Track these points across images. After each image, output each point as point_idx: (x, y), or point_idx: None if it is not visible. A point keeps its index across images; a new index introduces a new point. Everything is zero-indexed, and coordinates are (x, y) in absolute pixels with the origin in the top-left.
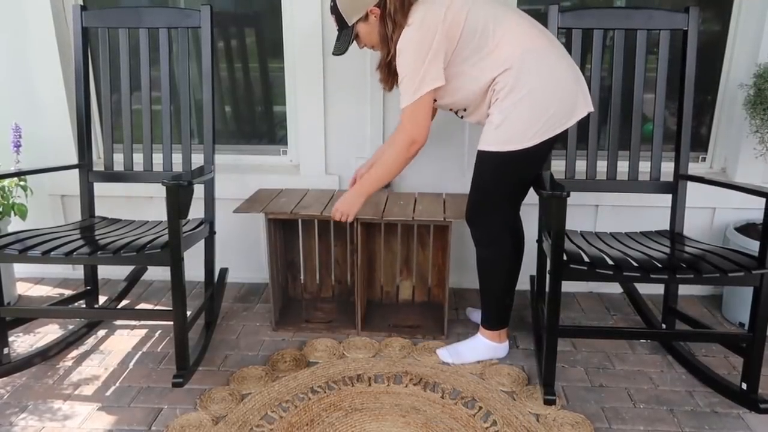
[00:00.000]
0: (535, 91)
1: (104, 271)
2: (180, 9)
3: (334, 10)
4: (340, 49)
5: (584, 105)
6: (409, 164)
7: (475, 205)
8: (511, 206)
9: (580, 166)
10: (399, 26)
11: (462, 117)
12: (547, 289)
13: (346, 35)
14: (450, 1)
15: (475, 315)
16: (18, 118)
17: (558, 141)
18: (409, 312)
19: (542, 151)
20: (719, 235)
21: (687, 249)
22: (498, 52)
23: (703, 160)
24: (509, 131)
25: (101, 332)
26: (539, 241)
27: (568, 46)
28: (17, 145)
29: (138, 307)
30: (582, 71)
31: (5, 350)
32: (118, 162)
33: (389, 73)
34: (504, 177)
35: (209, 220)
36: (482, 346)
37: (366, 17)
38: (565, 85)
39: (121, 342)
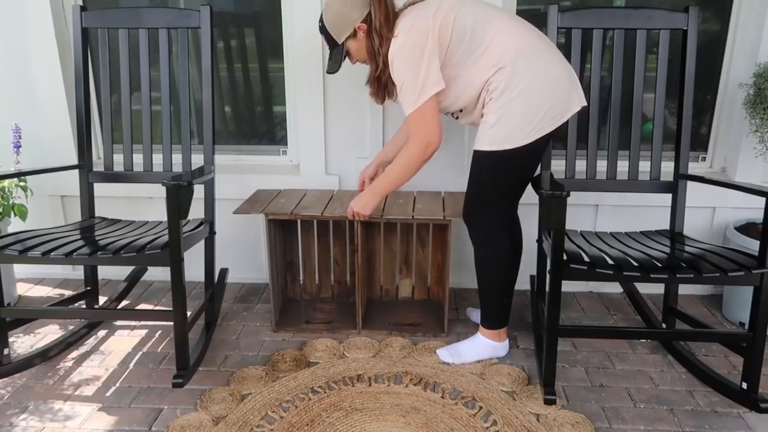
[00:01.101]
0: (528, 90)
1: (104, 272)
2: (180, 9)
3: (323, 30)
4: (332, 67)
5: (578, 101)
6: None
7: (473, 205)
8: (508, 205)
9: (580, 165)
10: (386, 40)
11: (457, 118)
12: (547, 288)
13: (337, 53)
14: (437, 5)
15: (475, 315)
16: (18, 119)
17: (553, 138)
18: (409, 310)
19: (538, 149)
20: (719, 234)
21: (687, 248)
22: (490, 52)
23: (703, 159)
24: (504, 130)
25: (101, 333)
26: (539, 241)
27: (567, 46)
28: (17, 146)
29: (138, 307)
30: (582, 71)
31: (5, 351)
32: (118, 162)
33: (379, 87)
34: (500, 176)
35: (209, 221)
36: (482, 346)
37: (354, 34)
38: (558, 82)
39: (122, 342)
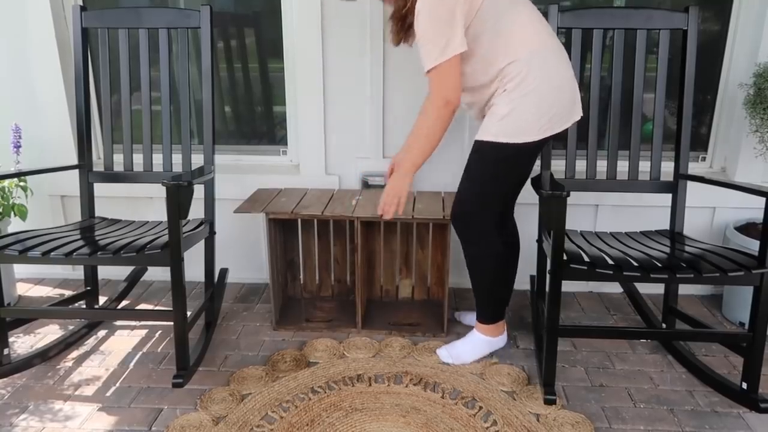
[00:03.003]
0: (543, 87)
1: (104, 272)
2: (180, 9)
3: None
4: None
5: (577, 108)
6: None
7: (469, 199)
8: (502, 204)
9: (580, 165)
10: None
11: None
12: (547, 288)
13: None
14: None
15: (466, 317)
16: (18, 119)
17: (553, 138)
18: (409, 310)
19: (539, 149)
20: (719, 234)
21: (687, 248)
22: (511, 39)
23: (703, 159)
24: (515, 123)
25: (101, 333)
26: (539, 241)
27: (568, 46)
28: (17, 146)
29: (138, 307)
30: (582, 71)
31: (5, 351)
32: (118, 162)
33: (402, 28)
34: (503, 171)
35: (209, 221)
36: (480, 342)
37: None
38: (568, 84)
39: (122, 342)
